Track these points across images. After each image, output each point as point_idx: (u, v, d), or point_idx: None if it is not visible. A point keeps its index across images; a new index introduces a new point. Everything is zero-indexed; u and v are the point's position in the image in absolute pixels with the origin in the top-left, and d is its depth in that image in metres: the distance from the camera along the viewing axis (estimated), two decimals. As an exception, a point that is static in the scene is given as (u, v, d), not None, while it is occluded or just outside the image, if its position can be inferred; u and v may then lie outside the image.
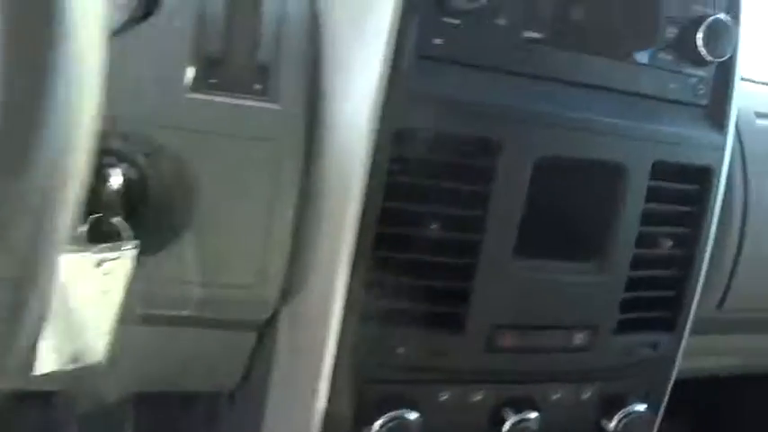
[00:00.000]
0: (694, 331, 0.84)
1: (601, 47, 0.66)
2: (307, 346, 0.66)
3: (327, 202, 0.62)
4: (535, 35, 0.63)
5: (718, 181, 0.73)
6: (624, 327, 0.72)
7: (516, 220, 0.63)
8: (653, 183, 0.68)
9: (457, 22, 0.60)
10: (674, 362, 0.78)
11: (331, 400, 0.64)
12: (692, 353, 0.78)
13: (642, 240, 0.70)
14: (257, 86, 0.61)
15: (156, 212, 0.56)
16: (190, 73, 0.58)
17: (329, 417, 0.64)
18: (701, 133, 0.71)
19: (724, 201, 0.78)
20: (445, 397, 0.67)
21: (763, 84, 0.90)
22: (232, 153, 0.58)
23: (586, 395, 0.73)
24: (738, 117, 0.82)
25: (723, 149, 0.73)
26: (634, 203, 0.67)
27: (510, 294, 0.65)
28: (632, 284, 0.70)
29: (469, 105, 0.60)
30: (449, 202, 0.62)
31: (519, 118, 0.62)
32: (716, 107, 0.73)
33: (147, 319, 0.59)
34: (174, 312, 0.62)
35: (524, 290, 0.65)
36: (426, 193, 0.62)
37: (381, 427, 0.63)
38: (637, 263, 0.70)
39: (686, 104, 0.71)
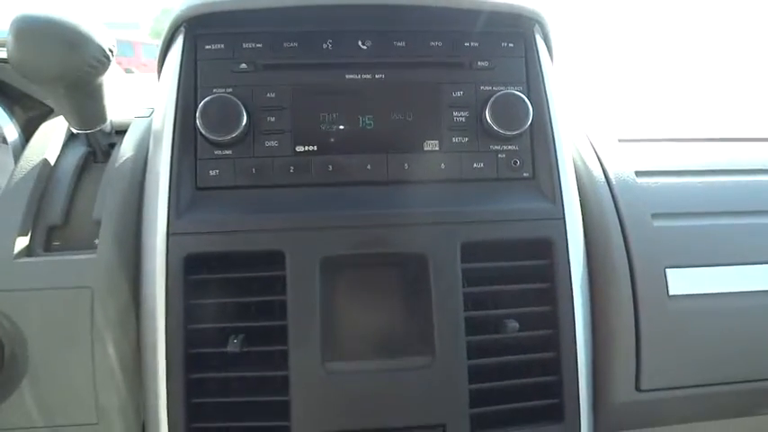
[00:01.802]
0: (623, 417, 0.75)
1: (387, 146, 0.70)
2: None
3: (146, 333, 0.67)
4: (310, 148, 0.69)
5: (566, 253, 0.69)
6: (487, 421, 0.66)
7: (317, 324, 0.64)
8: (468, 265, 0.66)
9: (228, 152, 0.68)
10: None
11: None
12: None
13: (478, 326, 0.67)
14: (96, 241, 0.71)
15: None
16: (23, 242, 0.70)
17: None
18: (527, 207, 0.69)
19: (604, 269, 0.73)
20: None
21: (643, 141, 0.85)
22: (56, 303, 0.67)
23: None
24: (615, 177, 0.79)
25: (560, 219, 0.70)
26: (449, 289, 0.65)
27: (330, 400, 0.64)
28: (480, 374, 0.66)
29: (248, 224, 0.65)
30: (247, 317, 0.65)
31: (297, 226, 0.65)
32: (542, 178, 0.71)
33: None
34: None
35: (345, 395, 0.64)
36: (226, 310, 0.66)
37: None
38: (478, 350, 0.66)
39: (503, 180, 0.71)
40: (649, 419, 0.80)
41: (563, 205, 0.70)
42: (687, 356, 0.74)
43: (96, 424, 0.67)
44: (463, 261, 0.66)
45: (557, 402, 0.68)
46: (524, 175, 0.71)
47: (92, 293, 0.67)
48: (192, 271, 0.65)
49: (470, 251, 0.67)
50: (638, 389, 0.73)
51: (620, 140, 0.85)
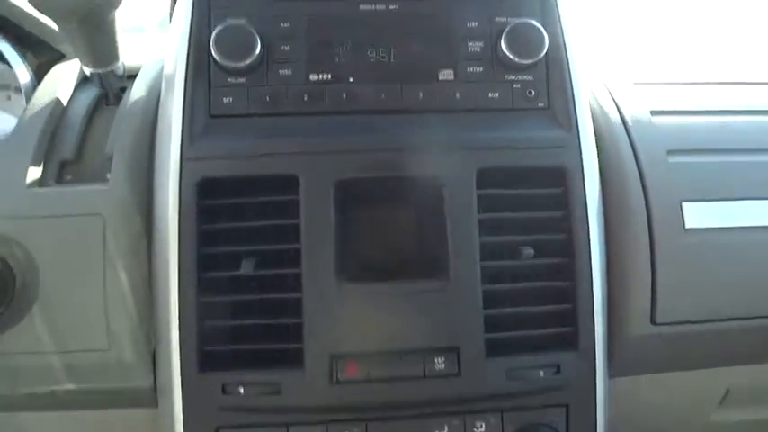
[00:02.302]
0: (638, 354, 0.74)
1: (402, 75, 0.69)
2: (163, 399, 0.68)
3: (158, 260, 0.67)
4: (324, 77, 0.68)
5: (582, 182, 0.69)
6: (500, 347, 0.65)
7: (331, 247, 0.63)
8: (484, 191, 0.66)
9: (242, 80, 0.67)
10: (593, 385, 0.68)
11: None
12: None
13: (494, 252, 0.66)
14: (108, 175, 0.71)
15: (4, 291, 0.65)
16: (35, 173, 0.70)
17: None
18: (542, 135, 0.69)
19: (620, 205, 0.73)
20: None
21: (658, 84, 0.85)
22: (67, 230, 0.66)
23: (480, 429, 0.66)
24: (630, 117, 0.78)
25: (576, 149, 0.69)
26: (464, 214, 0.65)
27: (343, 322, 0.63)
28: (495, 300, 0.65)
29: (262, 148, 0.65)
30: (261, 241, 0.65)
31: (310, 150, 0.65)
32: (558, 108, 0.71)
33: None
34: (43, 388, 0.68)
35: (359, 316, 0.63)
36: (239, 235, 0.65)
37: None
38: (493, 276, 0.66)
39: (518, 110, 0.70)
40: (664, 358, 0.79)
41: (578, 134, 0.69)
42: (703, 291, 0.73)
43: (107, 350, 0.67)
44: (478, 188, 0.66)
45: (572, 330, 0.68)
46: (539, 105, 0.71)
47: (104, 221, 0.67)
48: (206, 196, 0.65)
49: (485, 178, 0.66)
50: (653, 322, 0.73)
51: (635, 83, 0.85)
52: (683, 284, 0.73)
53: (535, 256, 0.67)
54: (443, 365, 0.64)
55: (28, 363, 0.67)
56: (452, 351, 0.64)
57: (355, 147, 0.65)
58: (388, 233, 0.67)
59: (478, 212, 0.65)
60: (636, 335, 0.73)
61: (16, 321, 0.66)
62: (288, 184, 0.65)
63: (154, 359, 0.69)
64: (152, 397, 0.71)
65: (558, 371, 0.67)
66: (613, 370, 0.73)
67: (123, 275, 0.66)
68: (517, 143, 0.68)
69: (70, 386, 0.69)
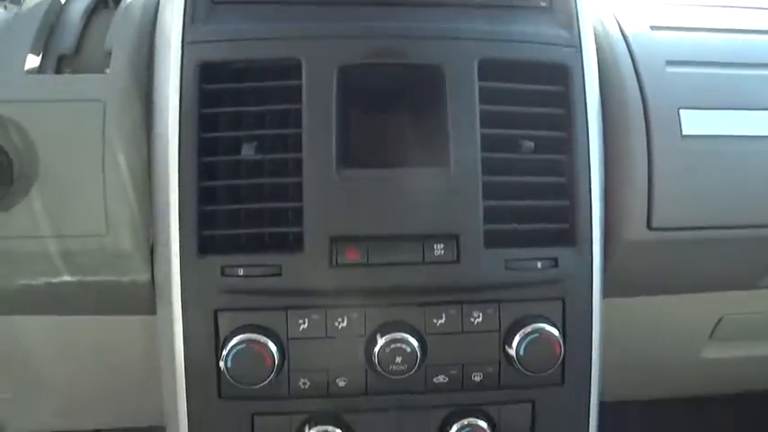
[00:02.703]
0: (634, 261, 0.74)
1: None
2: (161, 282, 0.68)
3: (158, 145, 0.66)
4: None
5: (582, 80, 0.69)
6: (499, 239, 0.66)
7: (332, 132, 0.63)
8: (485, 83, 0.66)
9: None
10: (590, 282, 0.69)
11: (186, 330, 0.65)
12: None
13: (494, 144, 0.66)
14: (107, 71, 0.70)
15: (1, 174, 0.64)
16: (34, 61, 0.69)
17: (188, 345, 0.65)
18: (543, 32, 0.69)
19: (619, 112, 0.73)
20: (305, 325, 0.65)
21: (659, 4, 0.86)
22: (67, 115, 0.66)
23: (477, 319, 0.66)
24: (629, 30, 0.79)
25: (577, 48, 0.69)
26: (465, 104, 0.65)
27: (344, 206, 0.63)
28: (495, 192, 0.66)
29: (264, 32, 0.65)
30: (263, 126, 0.65)
31: (314, 35, 0.65)
32: (559, 8, 0.71)
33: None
34: (40, 280, 0.68)
35: (359, 200, 0.63)
36: (240, 120, 0.65)
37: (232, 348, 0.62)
38: (493, 168, 0.66)
39: (519, 8, 0.71)
40: (658, 272, 0.80)
41: (579, 35, 0.70)
42: (699, 197, 0.74)
43: (105, 236, 0.66)
44: (480, 80, 0.66)
45: (569, 227, 0.68)
46: (541, 4, 0.71)
47: (104, 107, 0.66)
48: (207, 80, 0.64)
49: (487, 70, 0.66)
50: (649, 227, 0.73)
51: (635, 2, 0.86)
52: (680, 190, 0.74)
53: (534, 152, 0.68)
54: (442, 252, 0.64)
55: (25, 248, 0.66)
56: (451, 239, 0.64)
57: (359, 33, 0.65)
58: (390, 122, 0.67)
59: (480, 104, 0.66)
60: (632, 239, 0.73)
61: (13, 204, 0.65)
62: (290, 68, 0.64)
63: (152, 254, 0.69)
64: (150, 299, 0.71)
65: (556, 264, 0.67)
66: (608, 285, 0.74)
67: (122, 161, 0.66)
68: (519, 36, 0.68)
69: (67, 278, 0.69)
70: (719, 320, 0.95)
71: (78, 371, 0.87)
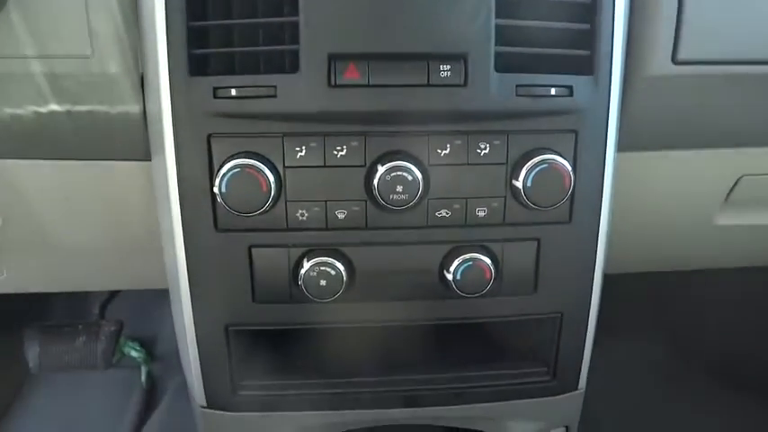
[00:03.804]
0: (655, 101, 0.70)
1: None
2: (153, 114, 0.65)
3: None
4: None
5: None
6: (511, 62, 0.61)
7: None
8: None
9: None
10: (606, 116, 0.65)
11: (179, 158, 0.62)
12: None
13: None
14: None
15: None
16: None
17: (182, 175, 0.63)
18: None
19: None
20: (302, 153, 0.62)
21: None
22: None
23: (484, 150, 0.63)
24: None
25: None
26: None
27: (344, 20, 0.58)
28: (508, 10, 0.60)
29: None
30: None
31: None
32: None
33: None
34: (29, 108, 0.65)
35: (360, 14, 0.58)
36: None
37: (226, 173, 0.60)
38: None
39: None
40: (679, 109, 0.75)
41: None
42: (730, 29, 0.68)
43: (90, 57, 0.62)
44: None
45: (588, 54, 0.63)
46: None
47: None
48: None
49: None
50: (674, 60, 0.68)
51: None
52: (711, 21, 0.67)
53: None
54: (449, 74, 0.59)
55: (8, 69, 0.63)
56: (459, 59, 0.59)
57: None
58: None
59: None
60: (655, 74, 0.68)
61: (-8, 20, 0.61)
62: None
63: (143, 84, 0.66)
64: (144, 141, 0.68)
65: (571, 93, 0.62)
66: (623, 134, 0.69)
67: None
68: None
69: (55, 106, 0.66)
70: (738, 181, 0.91)
71: (76, 223, 0.86)
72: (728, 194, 0.94)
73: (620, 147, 0.70)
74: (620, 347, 1.64)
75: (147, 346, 1.81)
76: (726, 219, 0.99)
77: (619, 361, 1.59)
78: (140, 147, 0.69)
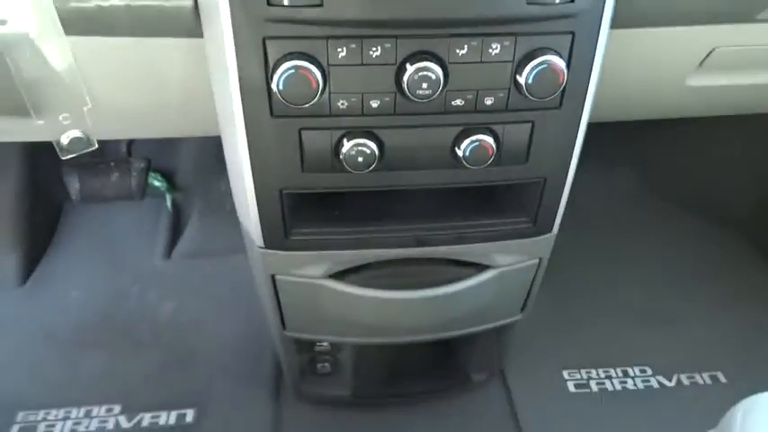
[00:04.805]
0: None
1: None
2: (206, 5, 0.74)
3: None
4: None
5: None
6: None
7: None
8: None
9: None
10: (600, 16, 0.76)
11: (239, 57, 0.73)
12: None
13: None
14: None
15: None
16: None
17: (242, 70, 0.74)
18: None
19: None
20: (343, 53, 0.73)
21: None
22: None
23: (495, 50, 0.75)
24: None
25: None
26: None
27: None
28: None
29: None
30: None
31: None
32: None
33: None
34: (94, 2, 0.73)
35: None
36: None
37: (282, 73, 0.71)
38: None
39: None
40: None
41: None
42: None
43: None
44: None
45: None
46: None
47: None
48: None
49: None
50: None
51: None
52: None
53: None
54: None
55: None
56: None
57: None
58: None
59: None
60: None
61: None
62: None
63: None
64: (196, 23, 0.77)
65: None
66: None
67: None
68: None
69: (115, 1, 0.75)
70: (710, 52, 1.03)
71: (128, 87, 0.97)
72: (701, 63, 1.07)
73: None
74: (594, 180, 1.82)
75: (168, 177, 1.99)
76: (697, 81, 1.12)
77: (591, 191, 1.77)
78: (192, 27, 0.77)
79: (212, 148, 1.93)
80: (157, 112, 0.99)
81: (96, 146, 0.84)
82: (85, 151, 0.84)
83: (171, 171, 1.99)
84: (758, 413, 0.69)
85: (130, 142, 1.87)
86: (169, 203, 1.92)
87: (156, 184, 1.92)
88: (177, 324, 1.66)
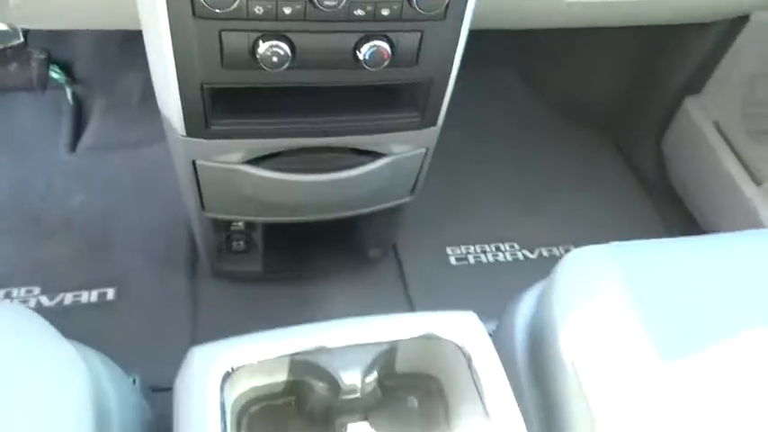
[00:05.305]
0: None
1: None
2: None
3: None
4: None
5: None
6: None
7: None
8: None
9: None
10: None
11: None
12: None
13: None
14: None
15: None
16: None
17: None
18: None
19: None
20: None
21: None
22: None
23: None
24: None
25: None
26: None
27: None
28: None
29: None
30: None
31: None
32: None
33: None
34: None
35: None
36: None
37: None
38: None
39: None
40: None
41: None
42: None
43: None
44: None
45: None
46: None
47: None
48: None
49: None
50: None
51: None
52: None
53: None
54: None
55: None
56: None
57: None
58: None
59: None
60: None
61: None
62: None
63: None
64: None
65: None
66: None
67: None
68: None
69: None
70: None
71: None
72: None
73: None
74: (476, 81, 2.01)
75: (66, 69, 1.96)
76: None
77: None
78: None
79: (113, 42, 1.92)
80: (82, 3, 1.03)
81: (22, 39, 0.90)
82: (11, 44, 0.89)
83: (69, 63, 1.96)
84: (574, 259, 0.94)
85: (26, 32, 1.81)
86: (69, 96, 1.91)
87: (55, 76, 1.89)
88: (89, 212, 1.72)
